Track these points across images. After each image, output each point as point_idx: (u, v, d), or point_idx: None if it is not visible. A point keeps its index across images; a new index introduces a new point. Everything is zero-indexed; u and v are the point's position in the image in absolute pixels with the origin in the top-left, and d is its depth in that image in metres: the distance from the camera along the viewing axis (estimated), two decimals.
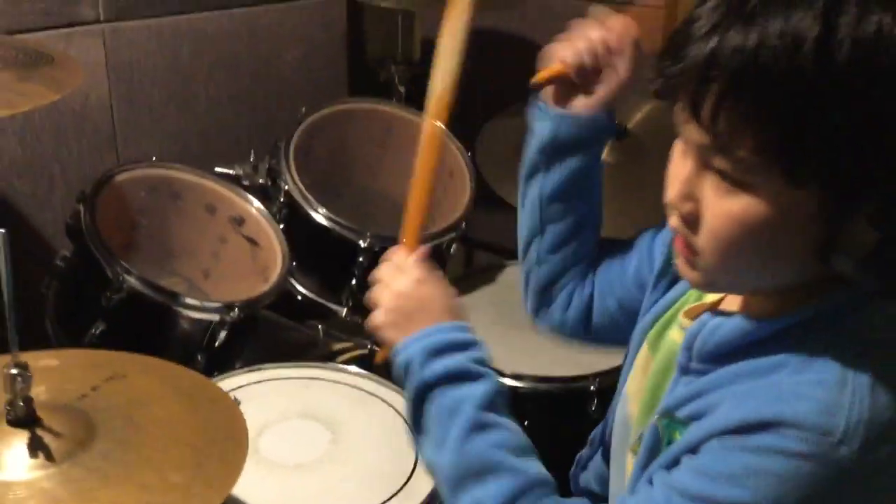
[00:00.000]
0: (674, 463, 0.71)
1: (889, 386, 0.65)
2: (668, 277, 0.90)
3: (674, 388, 0.76)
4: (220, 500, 0.75)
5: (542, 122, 0.97)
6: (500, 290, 1.63)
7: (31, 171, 1.69)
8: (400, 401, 1.23)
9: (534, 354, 1.44)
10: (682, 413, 0.73)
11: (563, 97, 0.96)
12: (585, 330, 1.02)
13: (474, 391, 0.82)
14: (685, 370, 0.76)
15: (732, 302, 0.79)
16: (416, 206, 0.96)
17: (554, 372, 1.40)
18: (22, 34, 1.58)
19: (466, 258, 2.26)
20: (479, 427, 0.81)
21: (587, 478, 1.06)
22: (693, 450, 0.69)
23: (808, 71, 0.59)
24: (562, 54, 0.92)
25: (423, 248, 0.94)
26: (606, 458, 0.99)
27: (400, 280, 0.91)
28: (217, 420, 0.87)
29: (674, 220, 0.71)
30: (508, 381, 1.39)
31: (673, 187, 0.70)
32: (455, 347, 0.85)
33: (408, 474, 1.10)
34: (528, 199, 1.00)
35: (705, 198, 0.67)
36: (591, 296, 1.01)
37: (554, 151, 0.96)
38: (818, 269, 0.68)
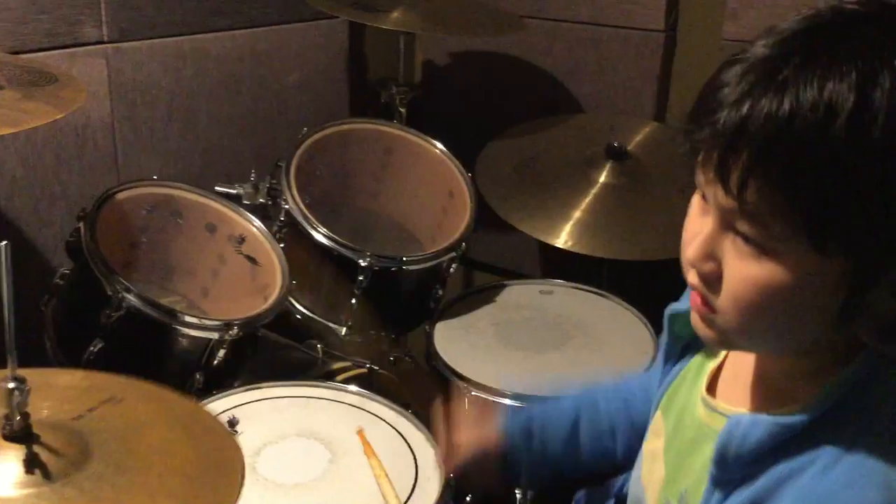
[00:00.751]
0: None
1: None
2: (676, 352, 0.90)
3: (709, 500, 0.73)
4: None
5: None
6: (500, 310, 1.63)
7: (32, 188, 1.69)
8: (399, 420, 1.23)
9: (534, 375, 1.44)
10: None
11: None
12: None
13: None
14: (719, 483, 0.72)
15: (744, 379, 0.77)
16: None
17: (551, 392, 1.39)
18: (26, 54, 1.59)
19: (466, 278, 2.26)
20: None
21: None
22: None
23: (842, 142, 0.58)
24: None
25: None
26: None
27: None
28: (212, 450, 0.86)
29: (692, 278, 0.70)
30: (508, 402, 1.39)
31: (693, 246, 0.68)
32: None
33: (407, 494, 1.09)
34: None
35: (727, 259, 0.66)
36: None
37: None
38: (836, 336, 0.67)
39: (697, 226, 0.69)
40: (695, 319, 0.72)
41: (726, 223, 0.65)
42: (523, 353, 1.50)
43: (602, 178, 1.69)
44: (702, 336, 0.73)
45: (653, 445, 0.89)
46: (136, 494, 0.77)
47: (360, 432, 1.12)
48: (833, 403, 0.67)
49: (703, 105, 0.64)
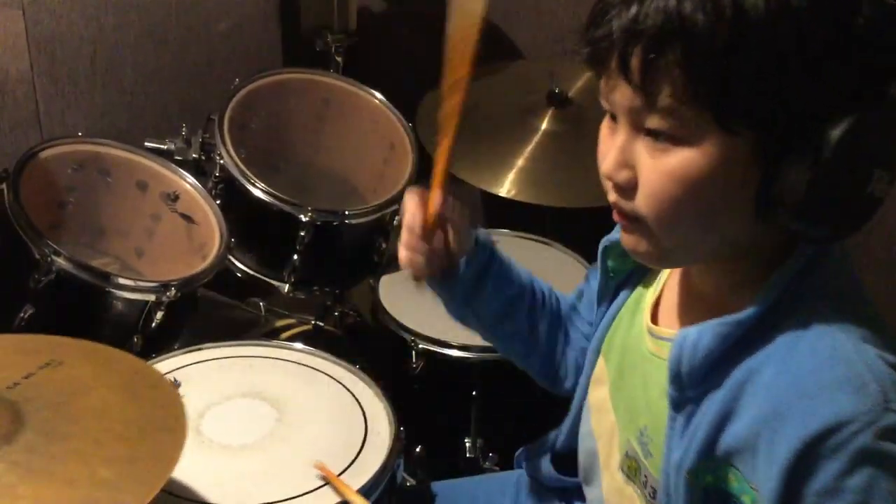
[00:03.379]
0: None
1: (872, 328, 0.67)
2: (610, 291, 0.91)
3: (681, 436, 0.73)
4: (149, 496, 0.72)
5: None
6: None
7: None
8: (347, 375, 1.22)
9: None
10: (718, 457, 0.70)
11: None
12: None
13: None
14: (679, 405, 0.73)
15: (687, 303, 0.79)
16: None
17: None
18: None
19: None
20: None
21: (531, 469, 1.07)
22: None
23: (728, 19, 0.61)
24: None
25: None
26: (558, 463, 1.00)
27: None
28: (155, 410, 0.84)
29: (611, 195, 0.72)
30: (456, 353, 1.39)
31: (607, 158, 0.70)
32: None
33: (357, 449, 1.09)
34: (476, 327, 1.04)
35: (641, 161, 0.68)
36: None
37: (459, 306, 1.01)
38: (763, 232, 0.68)
39: (609, 142, 0.71)
40: (625, 239, 0.74)
41: (636, 126, 0.68)
42: None
43: (544, 126, 1.67)
44: (634, 254, 0.74)
45: (598, 395, 0.89)
46: (69, 463, 0.74)
47: (320, 467, 1.04)
48: (777, 296, 0.69)
49: (598, 8, 0.67)
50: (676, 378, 0.72)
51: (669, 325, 0.80)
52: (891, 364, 0.65)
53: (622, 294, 0.89)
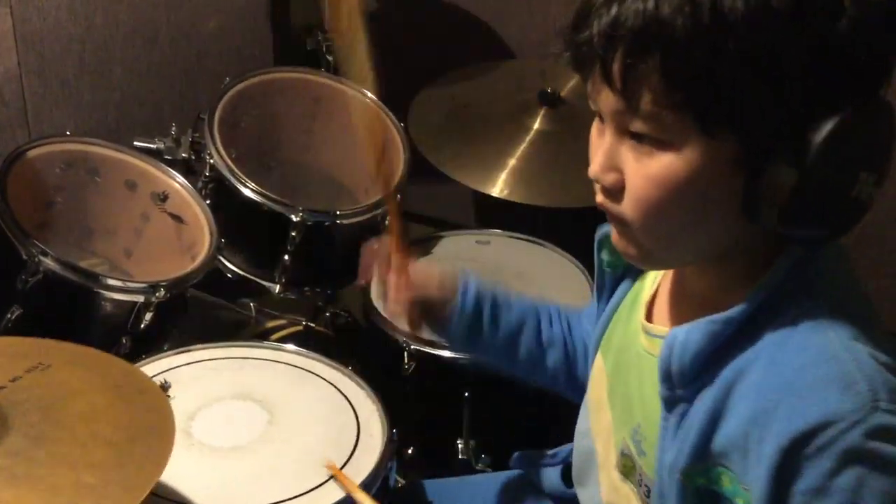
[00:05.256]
0: None
1: (865, 327, 0.66)
2: (606, 286, 0.90)
3: (674, 436, 0.73)
4: (135, 503, 0.71)
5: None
6: (437, 262, 1.61)
7: None
8: (338, 377, 1.21)
9: None
10: (703, 462, 0.70)
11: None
12: None
13: None
14: (671, 404, 0.73)
15: (680, 302, 0.78)
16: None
17: None
18: None
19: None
20: None
21: (534, 473, 1.07)
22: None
23: (706, 23, 0.60)
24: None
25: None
26: (569, 479, 0.99)
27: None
28: (144, 416, 0.82)
29: (599, 197, 0.72)
30: (447, 354, 1.38)
31: (594, 161, 0.70)
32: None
33: (349, 452, 1.08)
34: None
35: (626, 165, 0.68)
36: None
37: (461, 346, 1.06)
38: (752, 234, 0.68)
39: (597, 144, 0.71)
40: (615, 239, 0.74)
41: (621, 129, 0.67)
42: None
43: (536, 125, 1.67)
44: (624, 255, 0.74)
45: (597, 394, 0.88)
46: (54, 468, 0.73)
47: (331, 467, 1.04)
48: (767, 294, 0.68)
49: (579, 12, 0.67)
50: (667, 377, 0.72)
51: (663, 323, 0.80)
52: (882, 363, 0.65)
53: (620, 289, 0.89)
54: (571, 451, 0.97)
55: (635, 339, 0.82)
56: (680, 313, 0.78)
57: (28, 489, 0.71)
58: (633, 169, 0.67)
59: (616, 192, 0.69)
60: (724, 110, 0.62)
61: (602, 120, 0.70)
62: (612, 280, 0.90)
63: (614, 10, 0.63)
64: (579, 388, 0.99)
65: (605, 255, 0.88)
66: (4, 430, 0.76)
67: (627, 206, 0.69)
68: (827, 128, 0.62)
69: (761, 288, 0.68)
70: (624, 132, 0.67)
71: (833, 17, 0.61)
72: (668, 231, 0.69)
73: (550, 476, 1.03)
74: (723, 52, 0.60)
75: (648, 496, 0.78)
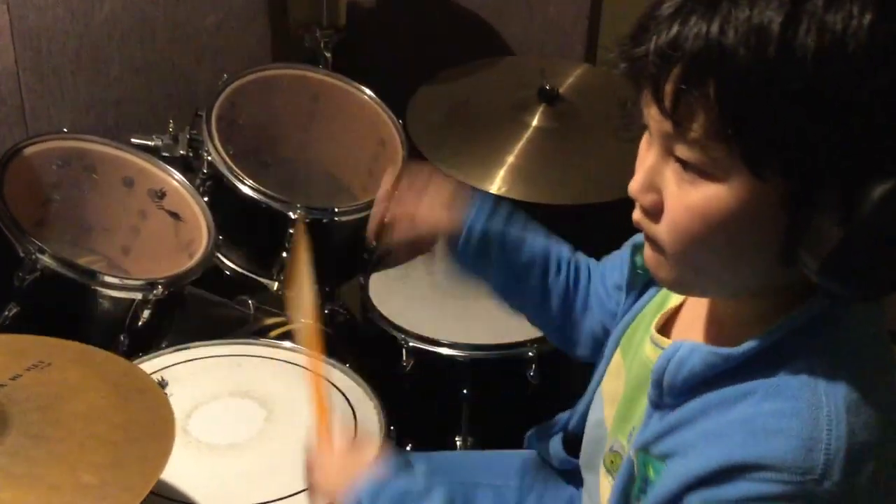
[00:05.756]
0: None
1: (864, 404, 0.64)
2: (637, 285, 0.89)
3: (647, 422, 0.74)
4: (135, 503, 0.70)
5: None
6: (434, 260, 1.61)
7: None
8: (336, 374, 1.21)
9: (470, 323, 1.43)
10: (656, 450, 0.71)
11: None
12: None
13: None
14: (656, 405, 0.73)
15: (698, 321, 0.77)
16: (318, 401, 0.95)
17: (491, 339, 1.39)
18: None
19: None
20: None
21: (543, 450, 1.06)
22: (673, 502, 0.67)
23: (771, 58, 0.57)
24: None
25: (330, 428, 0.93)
26: (569, 447, 0.99)
27: (323, 478, 0.89)
28: (143, 415, 0.82)
29: (636, 214, 0.70)
30: (445, 351, 1.38)
31: (636, 178, 0.68)
32: (382, 488, 0.82)
33: None
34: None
35: (667, 188, 0.66)
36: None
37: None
38: (785, 276, 0.66)
39: (642, 159, 0.69)
40: (647, 257, 0.72)
41: (667, 150, 0.65)
42: (459, 302, 1.49)
43: (534, 122, 1.67)
44: (654, 275, 0.73)
45: (613, 387, 0.88)
46: (53, 467, 0.73)
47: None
48: (776, 340, 0.66)
49: (640, 23, 0.64)
50: (658, 384, 0.72)
51: (678, 337, 0.79)
52: (865, 441, 0.62)
53: (652, 290, 0.87)
54: (571, 419, 0.98)
55: (645, 346, 0.82)
56: (698, 333, 0.77)
57: (27, 489, 0.71)
58: (673, 195, 0.65)
59: (654, 213, 0.67)
60: (776, 151, 0.59)
61: (650, 131, 0.68)
62: (642, 282, 0.88)
63: (675, 28, 0.60)
64: (569, 343, 1.01)
65: (638, 260, 0.86)
66: (4, 429, 0.76)
67: (663, 231, 0.67)
68: (886, 185, 0.58)
69: (774, 331, 0.66)
70: (670, 154, 0.65)
71: None
72: (700, 263, 0.67)
73: (556, 447, 1.03)
74: (783, 89, 0.57)
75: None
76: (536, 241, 1.01)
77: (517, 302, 1.02)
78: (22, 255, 1.24)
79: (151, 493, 0.74)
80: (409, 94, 1.75)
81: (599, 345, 0.96)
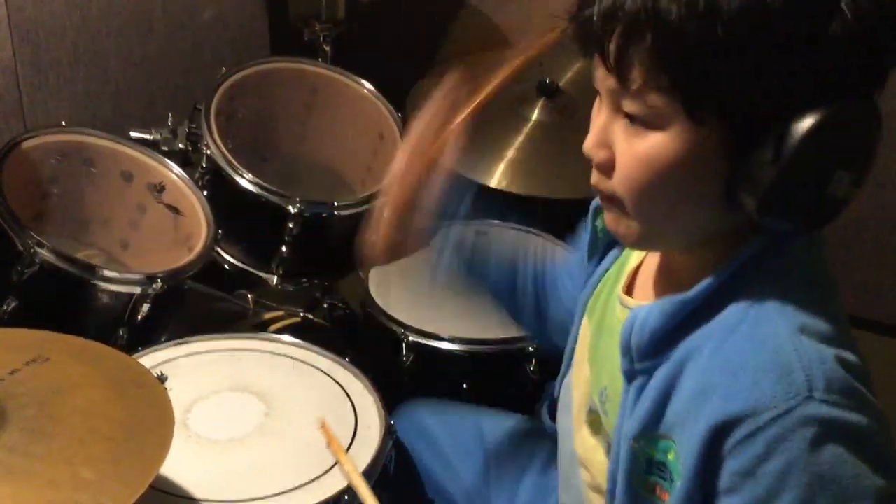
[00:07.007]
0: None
1: (817, 321, 0.67)
2: (598, 249, 0.92)
3: (627, 406, 0.76)
4: (132, 499, 0.70)
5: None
6: (434, 254, 1.61)
7: None
8: (336, 369, 1.20)
9: (471, 317, 1.43)
10: (652, 434, 0.73)
11: None
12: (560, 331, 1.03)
13: None
14: (630, 376, 0.75)
15: (658, 276, 0.80)
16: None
17: (491, 334, 1.39)
18: None
19: None
20: None
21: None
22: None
23: (700, 11, 0.62)
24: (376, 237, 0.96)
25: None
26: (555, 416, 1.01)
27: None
28: (142, 410, 0.82)
29: (593, 176, 0.74)
30: (445, 346, 1.37)
31: (588, 136, 0.73)
32: None
33: (347, 443, 1.07)
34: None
35: (617, 143, 0.70)
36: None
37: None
38: (732, 220, 0.70)
39: (594, 118, 0.73)
40: (606, 218, 0.76)
41: (615, 107, 0.69)
42: (460, 296, 1.48)
43: (534, 116, 1.66)
44: (614, 234, 0.76)
45: (581, 350, 0.91)
46: (51, 464, 0.72)
47: (323, 426, 1.08)
48: (725, 280, 0.70)
49: None
50: (626, 351, 0.75)
51: (641, 296, 0.83)
52: (828, 356, 0.66)
53: (612, 253, 0.91)
54: (555, 387, 1.00)
55: (615, 306, 0.85)
56: (655, 288, 0.81)
57: (25, 484, 0.70)
58: (623, 148, 0.69)
59: (607, 169, 0.71)
60: (709, 97, 0.64)
61: (600, 92, 0.73)
62: (603, 246, 0.92)
63: None
64: (549, 341, 1.04)
65: (599, 223, 0.90)
66: (2, 424, 0.75)
67: (617, 184, 0.70)
68: (807, 122, 0.63)
69: (721, 272, 0.70)
70: (617, 111, 0.69)
71: (828, 16, 0.62)
72: (656, 212, 0.71)
73: (544, 415, 1.08)
74: (712, 38, 0.62)
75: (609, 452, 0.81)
76: (500, 268, 1.06)
77: (491, 301, 1.07)
78: (20, 249, 1.24)
79: (150, 487, 0.74)
80: (409, 87, 1.74)
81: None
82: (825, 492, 0.63)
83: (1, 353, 0.86)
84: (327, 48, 1.90)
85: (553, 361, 1.40)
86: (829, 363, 0.65)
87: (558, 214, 1.71)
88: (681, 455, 0.70)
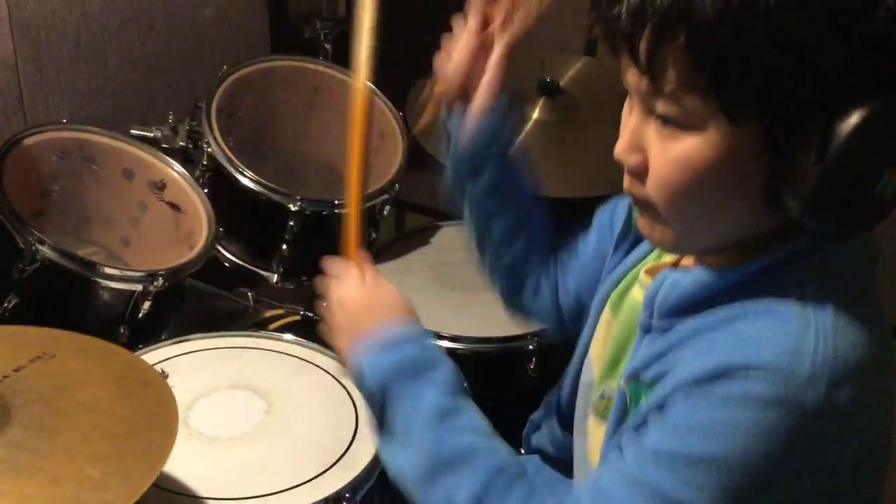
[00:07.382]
0: (642, 423, 0.69)
1: (853, 325, 0.65)
2: (628, 240, 0.89)
3: (637, 350, 0.75)
4: (136, 496, 0.70)
5: (450, 136, 0.97)
6: (435, 252, 1.61)
7: None
8: (337, 366, 1.20)
9: (471, 315, 1.43)
10: (647, 375, 0.72)
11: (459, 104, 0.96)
12: (558, 317, 1.01)
13: (435, 378, 0.80)
14: (647, 329, 0.74)
15: (692, 259, 0.78)
16: (352, 212, 0.92)
17: (492, 332, 1.39)
18: None
19: (399, 220, 2.23)
20: (444, 414, 0.78)
21: (540, 439, 1.06)
22: (660, 406, 0.67)
23: (735, 5, 0.59)
24: (436, 92, 0.94)
25: (364, 254, 0.89)
26: (564, 423, 0.99)
27: (343, 290, 0.87)
28: (146, 408, 0.82)
29: (626, 181, 0.71)
30: (446, 344, 1.38)
31: (620, 141, 0.69)
32: (406, 340, 0.81)
33: (347, 443, 1.08)
34: (466, 201, 0.99)
35: (651, 146, 0.67)
36: (556, 282, 1.01)
37: (469, 161, 0.95)
38: (772, 220, 0.67)
39: (625, 122, 0.70)
40: (640, 223, 0.74)
41: (647, 109, 0.67)
42: (460, 295, 1.49)
43: (535, 115, 1.66)
44: (648, 239, 0.74)
45: (601, 345, 0.88)
46: (56, 460, 0.73)
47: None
48: (765, 267, 0.68)
49: None
50: (649, 304, 0.73)
51: None
52: (847, 361, 0.63)
53: (642, 248, 0.87)
54: (561, 398, 0.97)
55: (636, 293, 0.82)
56: None
57: (30, 480, 0.71)
58: (656, 151, 0.67)
59: (640, 173, 0.68)
60: (748, 95, 0.61)
61: (631, 94, 0.69)
62: (635, 237, 0.88)
63: None
64: (513, 291, 1.00)
65: (636, 215, 0.85)
66: (7, 421, 0.75)
67: (651, 189, 0.68)
68: (853, 119, 0.60)
69: (764, 259, 0.68)
70: (650, 113, 0.66)
71: (872, 5, 0.59)
72: (691, 216, 0.68)
73: (554, 430, 1.02)
74: (750, 35, 0.59)
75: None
76: (535, 199, 1.01)
77: (488, 236, 0.99)
78: (21, 246, 1.24)
79: (153, 485, 0.74)
80: (409, 85, 1.74)
81: (558, 308, 0.98)
82: (736, 470, 0.62)
83: (6, 351, 0.86)
84: (328, 46, 1.90)
85: (553, 361, 1.41)
86: (844, 369, 0.63)
87: (558, 214, 1.71)
88: (653, 392, 0.69)
